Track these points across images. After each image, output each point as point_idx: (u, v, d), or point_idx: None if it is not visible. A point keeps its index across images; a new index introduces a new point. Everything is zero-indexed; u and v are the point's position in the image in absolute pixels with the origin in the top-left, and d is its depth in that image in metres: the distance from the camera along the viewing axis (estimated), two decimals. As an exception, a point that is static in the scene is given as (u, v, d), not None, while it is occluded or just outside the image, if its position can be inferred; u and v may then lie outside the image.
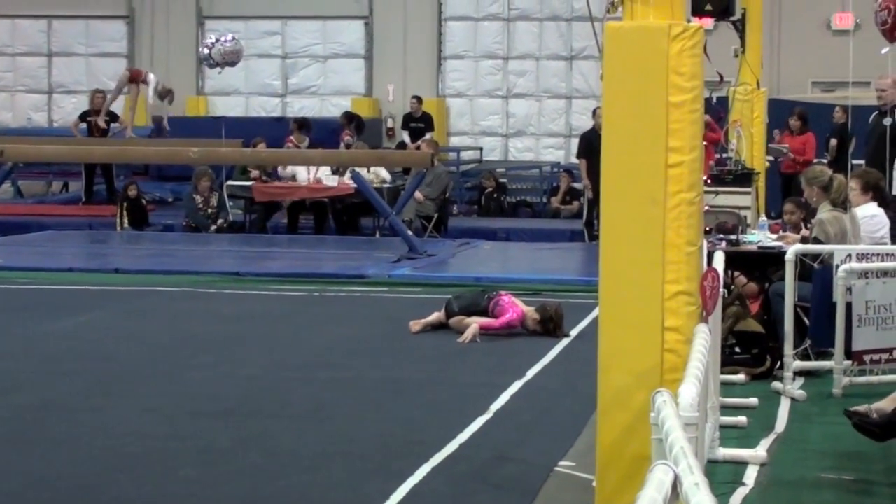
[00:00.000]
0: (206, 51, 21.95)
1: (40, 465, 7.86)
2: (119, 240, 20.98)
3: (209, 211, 21.10)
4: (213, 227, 20.92)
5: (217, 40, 21.75)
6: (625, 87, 6.33)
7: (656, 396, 5.07)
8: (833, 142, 20.84)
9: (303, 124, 22.98)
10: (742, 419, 9.02)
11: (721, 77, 9.79)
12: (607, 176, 6.44)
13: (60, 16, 30.97)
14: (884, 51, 12.83)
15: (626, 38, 6.33)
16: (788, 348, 10.08)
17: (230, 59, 21.69)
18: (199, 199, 21.12)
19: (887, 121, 14.32)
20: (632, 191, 6.32)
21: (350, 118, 23.88)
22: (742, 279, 11.99)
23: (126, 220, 21.76)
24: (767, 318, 10.93)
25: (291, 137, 22.46)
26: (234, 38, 22.13)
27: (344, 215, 21.62)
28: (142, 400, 9.62)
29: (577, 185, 24.53)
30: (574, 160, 25.51)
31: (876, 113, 15.14)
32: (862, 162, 15.40)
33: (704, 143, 6.85)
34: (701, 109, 6.39)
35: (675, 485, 3.89)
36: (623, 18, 6.45)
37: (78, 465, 7.89)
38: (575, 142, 24.17)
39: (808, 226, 11.86)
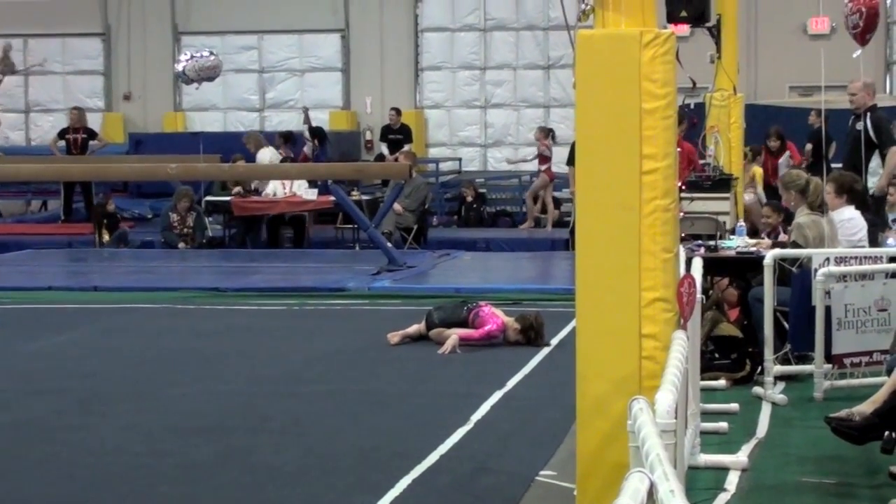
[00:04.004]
0: (179, 67, 21.96)
1: (19, 485, 7.82)
2: (98, 257, 20.89)
3: (184, 230, 21.03)
4: (182, 245, 20.84)
5: (192, 56, 21.74)
6: (597, 95, 6.31)
7: (633, 404, 5.05)
8: (808, 146, 20.83)
9: (288, 138, 23.38)
10: (723, 425, 9.01)
11: (694, 83, 9.80)
12: (582, 184, 6.42)
13: (36, 34, 30.84)
14: (855, 54, 12.84)
15: (598, 45, 6.31)
16: (769, 353, 10.08)
17: (207, 75, 21.68)
18: (174, 217, 21.05)
19: (860, 125, 14.35)
20: (606, 198, 6.30)
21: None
22: (724, 283, 11.97)
23: (106, 236, 21.70)
24: (747, 323, 10.93)
25: (279, 151, 22.76)
26: (211, 53, 22.13)
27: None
28: (121, 417, 9.58)
29: (556, 195, 24.53)
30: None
31: (853, 117, 15.16)
32: (840, 166, 15.42)
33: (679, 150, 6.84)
34: (674, 116, 6.38)
35: (652, 492, 3.88)
36: (594, 26, 6.44)
37: (57, 484, 7.84)
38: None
39: (788, 229, 11.86)
